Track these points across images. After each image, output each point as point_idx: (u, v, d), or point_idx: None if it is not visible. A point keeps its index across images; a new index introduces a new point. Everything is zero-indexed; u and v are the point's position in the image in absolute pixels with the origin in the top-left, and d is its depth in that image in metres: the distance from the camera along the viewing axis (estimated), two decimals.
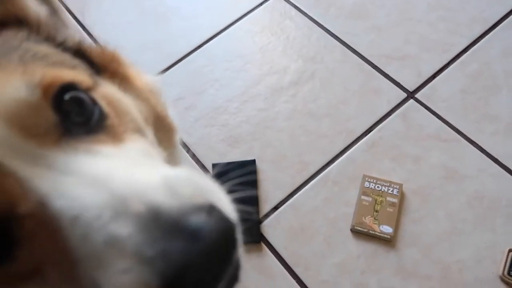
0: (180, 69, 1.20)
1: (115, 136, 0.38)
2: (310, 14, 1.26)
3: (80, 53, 0.45)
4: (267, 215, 0.96)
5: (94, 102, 0.38)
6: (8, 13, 0.40)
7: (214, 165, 1.01)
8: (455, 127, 1.04)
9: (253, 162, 1.01)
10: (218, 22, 1.27)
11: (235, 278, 0.34)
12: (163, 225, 0.29)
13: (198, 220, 0.29)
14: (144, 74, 0.54)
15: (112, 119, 0.39)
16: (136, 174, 0.32)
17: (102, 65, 0.47)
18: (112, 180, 0.31)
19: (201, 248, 0.28)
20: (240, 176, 0.99)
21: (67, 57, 0.42)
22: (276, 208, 0.97)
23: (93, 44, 0.50)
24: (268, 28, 1.25)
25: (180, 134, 0.60)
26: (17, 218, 0.31)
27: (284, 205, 0.97)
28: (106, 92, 0.42)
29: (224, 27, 1.26)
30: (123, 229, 0.29)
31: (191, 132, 1.07)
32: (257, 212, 0.95)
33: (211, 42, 1.24)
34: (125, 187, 0.30)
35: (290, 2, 1.28)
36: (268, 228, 0.94)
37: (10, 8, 0.40)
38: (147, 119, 0.47)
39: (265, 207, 0.97)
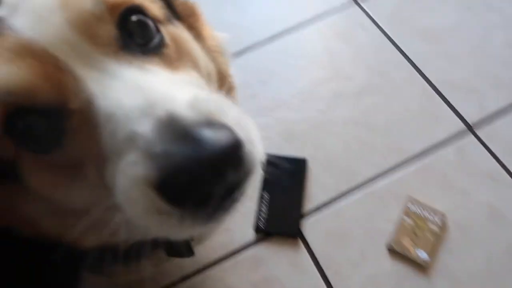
0: (249, 56, 1.23)
1: (170, 65, 0.42)
2: (384, 29, 1.26)
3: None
4: (308, 213, 0.98)
5: (158, 30, 0.43)
6: None
7: (267, 155, 1.04)
8: (509, 171, 1.03)
9: (304, 160, 1.03)
10: (293, 19, 1.29)
11: (233, 198, 0.36)
12: (175, 130, 0.32)
13: (205, 132, 0.32)
14: (214, 31, 0.57)
15: (171, 51, 0.43)
16: (173, 90, 0.36)
17: (182, 15, 0.51)
18: (150, 89, 0.35)
19: (200, 155, 0.31)
20: (290, 170, 1.01)
21: None
22: (318, 209, 0.99)
23: None
24: (341, 34, 1.26)
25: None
26: (68, 112, 0.36)
27: (327, 208, 0.99)
28: (174, 30, 0.46)
29: (298, 25, 1.28)
30: (142, 127, 0.33)
31: (250, 119, 1.10)
32: (299, 208, 0.97)
33: (283, 36, 1.26)
34: (158, 96, 0.35)
35: (367, 13, 1.29)
36: (307, 226, 0.96)
37: None
38: (211, 74, 0.51)
39: (307, 206, 0.99)
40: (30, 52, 0.35)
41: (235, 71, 1.19)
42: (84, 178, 0.39)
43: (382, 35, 1.25)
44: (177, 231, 0.35)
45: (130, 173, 0.33)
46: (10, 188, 0.40)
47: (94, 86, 0.36)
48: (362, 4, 1.31)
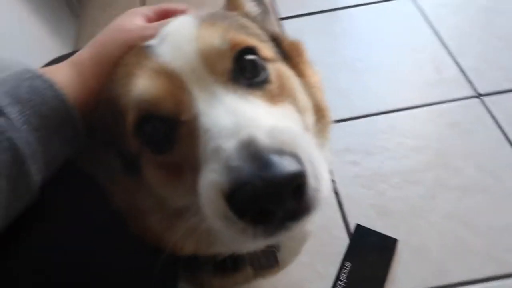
0: (358, 124, 1.26)
1: (271, 98, 0.49)
2: (506, 131, 1.21)
3: (275, 39, 0.59)
4: None
5: (265, 68, 0.51)
6: (231, 8, 0.61)
7: (357, 225, 1.03)
8: None
9: (394, 241, 1.00)
10: (410, 98, 1.30)
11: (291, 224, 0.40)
12: (251, 151, 0.38)
13: (274, 157, 0.37)
14: (315, 70, 0.64)
15: (274, 87, 0.50)
16: (260, 119, 0.43)
17: (288, 54, 0.60)
18: (242, 115, 0.43)
19: (264, 176, 0.36)
20: (378, 247, 0.98)
21: (262, 33, 0.57)
22: None
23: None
24: (458, 124, 1.24)
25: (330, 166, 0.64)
26: (179, 123, 0.46)
27: None
28: (280, 68, 0.54)
29: (414, 105, 1.29)
30: (228, 144, 0.40)
31: (346, 184, 1.11)
32: None
33: (397, 113, 1.27)
34: (246, 121, 0.42)
35: (490, 111, 1.25)
36: None
37: (234, 4, 0.61)
38: (307, 109, 0.56)
39: None
40: (164, 72, 0.47)
41: (342, 135, 1.22)
42: (184, 182, 0.46)
43: (503, 136, 1.20)
44: (241, 238, 0.41)
45: (209, 178, 0.40)
46: (133, 181, 0.51)
47: (202, 105, 0.45)
48: (485, 100, 1.29)
